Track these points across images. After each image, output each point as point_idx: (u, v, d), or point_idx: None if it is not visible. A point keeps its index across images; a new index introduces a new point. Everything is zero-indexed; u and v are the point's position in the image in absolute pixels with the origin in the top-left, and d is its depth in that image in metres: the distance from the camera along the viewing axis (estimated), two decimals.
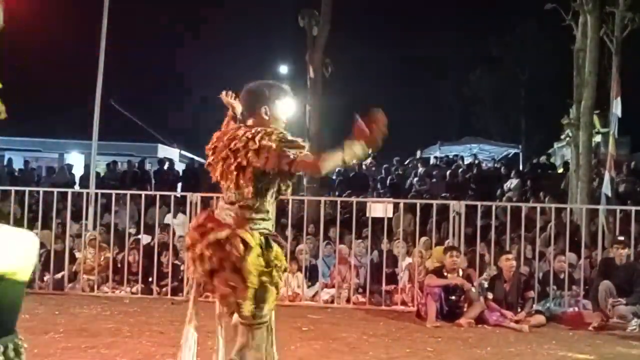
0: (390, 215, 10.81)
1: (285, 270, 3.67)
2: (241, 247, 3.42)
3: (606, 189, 11.88)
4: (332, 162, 3.43)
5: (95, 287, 10.00)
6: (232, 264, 3.41)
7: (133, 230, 11.58)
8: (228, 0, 37.03)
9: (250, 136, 3.48)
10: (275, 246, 3.56)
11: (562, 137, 14.79)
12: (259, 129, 3.51)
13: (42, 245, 10.37)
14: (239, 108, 3.95)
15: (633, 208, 9.74)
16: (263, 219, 3.58)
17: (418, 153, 23.28)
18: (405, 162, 21.55)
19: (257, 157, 3.43)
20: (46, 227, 10.70)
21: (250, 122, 3.64)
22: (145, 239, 10.77)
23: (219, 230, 3.48)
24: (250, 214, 3.54)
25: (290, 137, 3.48)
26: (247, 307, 3.45)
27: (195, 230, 3.61)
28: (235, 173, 3.51)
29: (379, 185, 18.70)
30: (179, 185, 18.24)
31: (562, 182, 16.09)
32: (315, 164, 3.41)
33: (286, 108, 3.71)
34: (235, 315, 3.60)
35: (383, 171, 19.76)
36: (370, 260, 10.21)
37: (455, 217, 9.50)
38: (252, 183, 3.51)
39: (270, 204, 3.61)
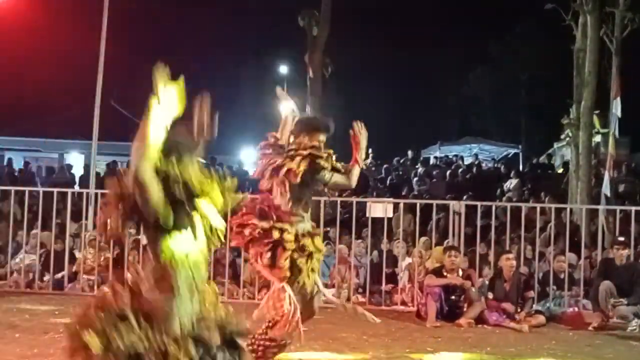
0: (390, 215, 10.80)
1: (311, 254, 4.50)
2: (277, 234, 4.34)
3: (606, 189, 11.88)
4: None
5: (95, 287, 9.99)
6: (271, 245, 4.34)
7: (133, 230, 11.56)
8: (228, 0, 37.04)
9: (295, 147, 4.49)
10: (309, 238, 4.48)
11: (562, 137, 14.80)
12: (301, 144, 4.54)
13: (42, 245, 10.39)
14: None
15: (633, 208, 9.75)
16: (300, 222, 4.49)
17: (410, 153, 23.22)
18: (400, 162, 21.53)
19: (292, 161, 4.39)
20: (46, 227, 10.70)
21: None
22: (145, 238, 10.75)
23: (262, 221, 4.39)
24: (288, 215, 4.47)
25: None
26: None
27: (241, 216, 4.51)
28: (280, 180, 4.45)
29: (379, 185, 18.70)
30: None
31: (562, 182, 16.09)
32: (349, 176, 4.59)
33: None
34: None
35: (383, 171, 19.75)
36: (370, 260, 10.21)
37: (455, 217, 9.50)
38: (291, 192, 4.44)
39: (305, 210, 4.55)
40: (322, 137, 4.63)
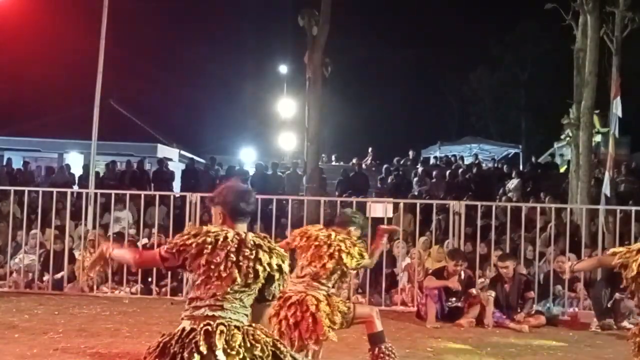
0: (390, 215, 10.77)
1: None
2: (314, 301, 4.99)
3: (606, 189, 11.86)
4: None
5: (95, 287, 9.98)
6: (311, 314, 4.98)
7: (132, 231, 11.56)
8: (228, 0, 37.02)
9: (347, 242, 5.27)
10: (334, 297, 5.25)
11: (562, 137, 14.78)
12: (348, 238, 5.33)
13: (41, 245, 10.37)
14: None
15: (633, 208, 9.73)
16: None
17: (411, 154, 23.20)
18: (401, 162, 21.51)
19: (347, 258, 5.16)
20: (45, 227, 10.68)
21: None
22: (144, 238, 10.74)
23: (295, 294, 5.01)
24: (318, 284, 5.15)
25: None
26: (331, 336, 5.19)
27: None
28: (326, 259, 5.06)
29: (379, 185, 18.67)
30: (174, 184, 18.19)
31: (563, 182, 16.07)
32: None
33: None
34: None
35: (383, 171, 19.73)
36: None
37: (455, 217, 9.48)
38: (330, 270, 5.12)
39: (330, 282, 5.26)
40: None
